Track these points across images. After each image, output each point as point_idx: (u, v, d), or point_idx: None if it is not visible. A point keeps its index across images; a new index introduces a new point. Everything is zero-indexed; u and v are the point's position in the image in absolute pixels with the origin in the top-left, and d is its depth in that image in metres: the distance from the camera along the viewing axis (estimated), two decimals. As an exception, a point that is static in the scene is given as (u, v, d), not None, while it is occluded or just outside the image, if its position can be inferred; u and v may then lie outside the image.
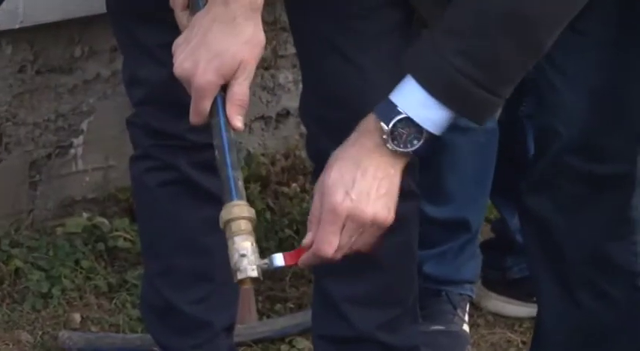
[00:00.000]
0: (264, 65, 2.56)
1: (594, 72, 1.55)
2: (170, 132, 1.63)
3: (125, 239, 2.31)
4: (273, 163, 2.61)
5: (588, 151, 1.58)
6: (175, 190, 1.66)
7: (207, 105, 1.20)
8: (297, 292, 2.37)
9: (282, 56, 2.58)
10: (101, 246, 2.33)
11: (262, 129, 2.55)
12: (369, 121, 1.13)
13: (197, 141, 1.65)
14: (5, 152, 2.26)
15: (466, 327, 2.18)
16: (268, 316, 2.30)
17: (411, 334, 1.80)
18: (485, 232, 2.51)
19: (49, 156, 2.28)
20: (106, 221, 2.32)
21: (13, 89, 2.24)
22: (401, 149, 1.10)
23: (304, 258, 1.16)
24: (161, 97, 1.56)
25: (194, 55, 1.20)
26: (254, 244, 1.11)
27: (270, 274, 2.15)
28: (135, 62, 1.68)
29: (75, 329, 2.13)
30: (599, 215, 1.60)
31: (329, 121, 1.50)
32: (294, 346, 2.19)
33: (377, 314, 1.73)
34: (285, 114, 2.54)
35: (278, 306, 2.30)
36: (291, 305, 2.32)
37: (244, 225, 1.11)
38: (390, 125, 1.09)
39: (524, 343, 2.16)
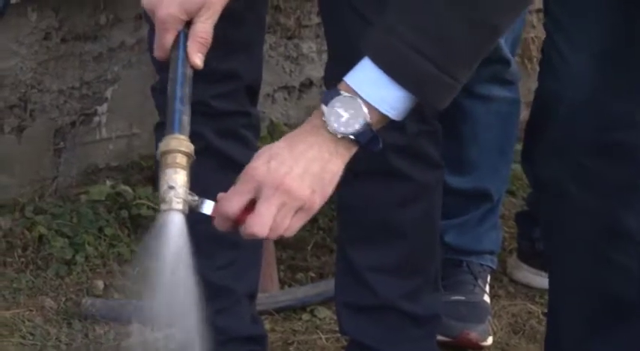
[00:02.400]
0: (288, 35, 2.58)
1: (601, 35, 1.54)
2: (194, 99, 1.58)
3: (148, 207, 2.34)
4: (296, 133, 2.57)
5: (596, 118, 1.56)
6: (200, 158, 1.59)
7: (169, 39, 1.23)
8: (318, 262, 2.43)
9: (305, 26, 2.61)
10: (124, 214, 2.35)
11: (285, 99, 2.58)
12: (320, 113, 1.07)
13: (222, 109, 1.71)
14: (30, 119, 2.29)
15: (487, 298, 2.21)
16: (290, 285, 2.34)
17: (433, 304, 1.83)
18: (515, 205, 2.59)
19: (73, 123, 2.32)
20: (129, 189, 2.35)
21: (39, 56, 2.27)
22: (341, 131, 1.03)
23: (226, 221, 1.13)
24: None
25: None
26: (186, 179, 1.10)
27: (291, 243, 2.35)
28: None
29: (98, 296, 2.17)
30: (610, 183, 1.59)
31: None
32: (315, 316, 2.23)
33: (400, 283, 1.78)
34: (308, 84, 2.58)
35: (299, 275, 2.34)
36: (313, 275, 2.38)
37: (179, 158, 1.10)
38: (329, 105, 1.03)
39: (545, 314, 2.16)
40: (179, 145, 1.08)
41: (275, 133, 2.47)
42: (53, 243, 2.23)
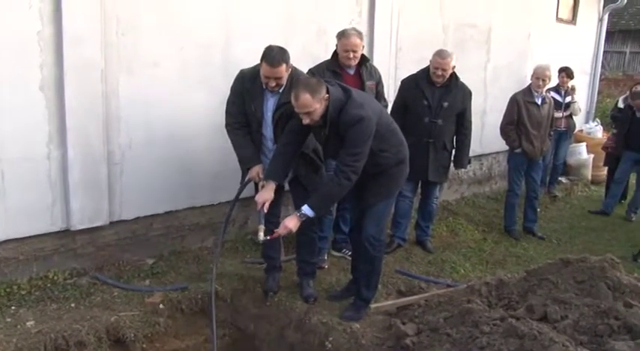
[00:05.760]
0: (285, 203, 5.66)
1: (355, 203, 5.46)
2: (267, 218, 5.41)
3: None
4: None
5: (360, 234, 5.40)
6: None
7: (258, 208, 5.03)
8: (292, 249, 6.12)
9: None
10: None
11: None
12: (296, 214, 4.85)
13: (274, 222, 5.43)
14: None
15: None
16: (286, 255, 6.26)
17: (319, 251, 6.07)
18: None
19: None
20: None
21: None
22: (302, 219, 4.82)
23: (275, 236, 4.96)
24: None
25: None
26: (263, 233, 4.98)
27: (287, 243, 6.55)
28: None
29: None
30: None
31: None
32: (292, 262, 5.87)
33: (311, 250, 5.65)
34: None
35: (288, 252, 6.23)
36: (291, 251, 6.12)
37: (262, 230, 5.02)
38: (299, 213, 4.83)
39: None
40: (262, 226, 5.10)
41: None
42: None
